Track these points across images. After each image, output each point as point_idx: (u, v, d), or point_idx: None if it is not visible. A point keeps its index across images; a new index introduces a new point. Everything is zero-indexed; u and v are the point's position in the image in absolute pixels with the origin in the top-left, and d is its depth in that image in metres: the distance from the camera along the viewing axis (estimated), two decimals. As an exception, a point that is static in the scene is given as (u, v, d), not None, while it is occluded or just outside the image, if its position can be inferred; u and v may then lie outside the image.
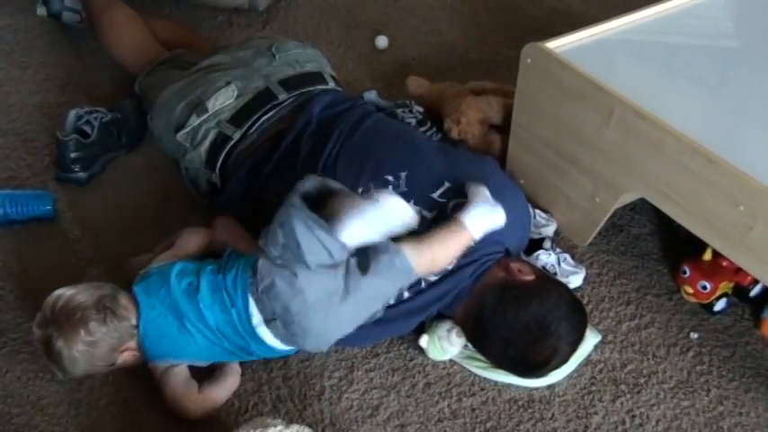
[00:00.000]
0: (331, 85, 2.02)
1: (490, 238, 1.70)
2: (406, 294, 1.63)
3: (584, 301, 1.83)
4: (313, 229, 1.43)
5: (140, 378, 1.65)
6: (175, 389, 1.58)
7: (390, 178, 1.74)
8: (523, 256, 1.85)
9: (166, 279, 1.58)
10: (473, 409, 1.64)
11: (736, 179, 1.53)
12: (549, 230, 1.96)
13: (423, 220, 1.68)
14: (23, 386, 1.64)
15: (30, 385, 1.64)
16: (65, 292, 1.55)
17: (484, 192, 1.66)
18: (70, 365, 1.51)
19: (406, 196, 1.70)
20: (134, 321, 1.56)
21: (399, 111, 2.18)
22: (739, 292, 1.84)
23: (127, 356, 1.58)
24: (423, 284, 1.64)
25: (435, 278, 1.65)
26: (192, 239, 1.76)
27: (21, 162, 2.11)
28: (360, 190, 1.72)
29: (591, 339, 1.74)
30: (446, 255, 1.58)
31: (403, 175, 1.74)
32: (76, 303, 1.52)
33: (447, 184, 1.73)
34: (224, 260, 1.60)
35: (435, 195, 1.72)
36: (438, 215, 1.69)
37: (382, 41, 2.57)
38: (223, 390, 1.61)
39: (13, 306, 1.78)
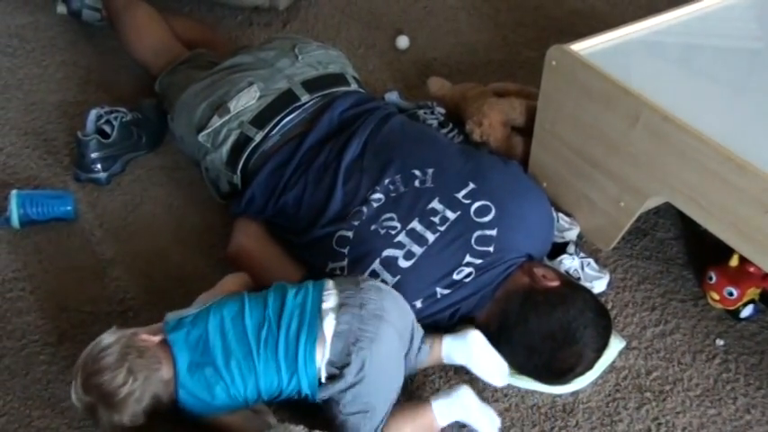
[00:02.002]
0: (353, 86, 2.01)
1: (511, 244, 1.69)
2: (419, 305, 1.62)
3: (609, 307, 1.81)
4: None
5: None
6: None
7: (417, 173, 1.73)
8: (547, 261, 1.84)
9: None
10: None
11: (765, 185, 1.51)
12: (572, 234, 1.94)
13: (445, 220, 1.67)
14: (44, 388, 1.63)
15: (50, 387, 1.63)
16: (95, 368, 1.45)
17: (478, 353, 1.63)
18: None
19: (432, 193, 1.70)
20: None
21: (421, 112, 2.16)
22: (766, 299, 1.81)
23: None
24: (438, 295, 1.63)
25: (451, 290, 1.64)
26: (234, 283, 1.70)
27: (41, 162, 2.11)
28: (386, 182, 1.72)
29: (615, 345, 1.72)
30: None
31: (430, 171, 1.74)
32: (113, 385, 1.43)
33: (472, 185, 1.72)
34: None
35: (460, 195, 1.70)
36: (461, 216, 1.68)
37: (403, 42, 2.56)
38: None
39: (33, 307, 1.77)
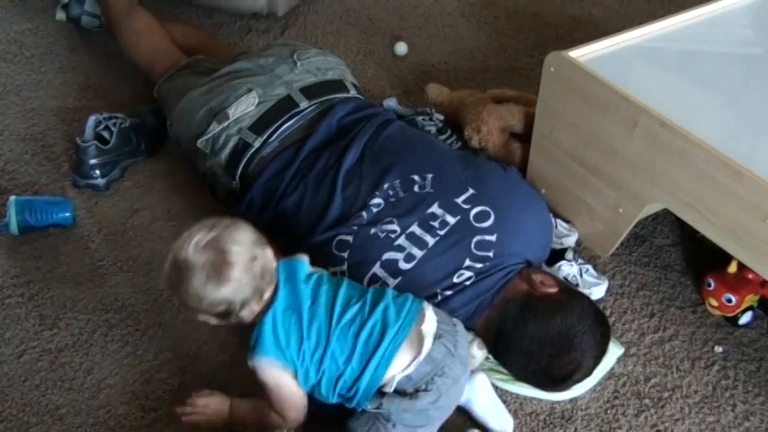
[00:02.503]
0: (352, 92, 2.01)
1: (511, 250, 1.69)
2: None
3: (607, 313, 1.81)
4: None
5: (156, 387, 1.65)
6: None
7: (417, 178, 1.74)
8: (545, 267, 1.84)
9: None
10: (494, 422, 1.63)
11: (764, 192, 1.51)
12: (571, 241, 1.94)
13: (445, 224, 1.67)
14: (42, 395, 1.63)
15: (48, 394, 1.63)
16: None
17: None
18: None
19: (432, 198, 1.70)
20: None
21: (419, 118, 2.16)
22: (765, 306, 1.81)
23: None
24: (439, 297, 1.63)
25: (451, 292, 1.64)
26: None
27: (40, 168, 2.11)
28: (386, 187, 1.72)
29: (614, 352, 1.72)
30: None
31: (429, 176, 1.74)
32: (236, 258, 1.39)
33: (471, 191, 1.72)
34: None
35: (459, 201, 1.71)
36: (461, 220, 1.68)
37: (401, 48, 2.56)
38: None
39: (32, 314, 1.77)
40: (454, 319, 1.52)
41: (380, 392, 1.44)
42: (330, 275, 1.52)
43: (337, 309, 1.44)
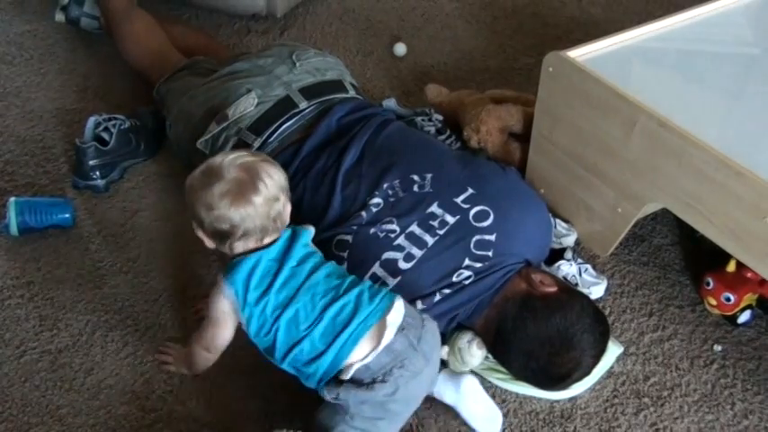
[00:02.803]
0: (351, 93, 2.01)
1: (510, 250, 1.69)
2: (420, 305, 1.61)
3: (606, 313, 1.81)
4: None
5: (156, 388, 1.65)
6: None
7: (416, 178, 1.74)
8: (544, 267, 1.84)
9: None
10: (494, 422, 1.63)
11: (763, 191, 1.51)
12: (570, 240, 1.94)
13: (444, 224, 1.68)
14: (42, 395, 1.63)
15: (48, 394, 1.63)
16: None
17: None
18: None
19: (431, 197, 1.71)
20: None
21: (419, 119, 2.16)
22: (763, 304, 1.82)
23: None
24: (438, 296, 1.63)
25: (450, 291, 1.64)
26: None
27: (39, 169, 2.11)
28: (385, 186, 1.72)
29: (613, 351, 1.72)
30: None
31: (428, 176, 1.75)
32: (267, 181, 1.41)
33: (470, 191, 1.72)
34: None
35: (459, 200, 1.71)
36: (460, 220, 1.68)
37: (400, 49, 2.56)
38: None
39: (32, 315, 1.77)
40: (425, 316, 1.50)
41: (338, 381, 1.42)
42: (323, 256, 1.51)
43: (316, 277, 1.44)
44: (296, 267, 1.44)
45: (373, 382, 1.40)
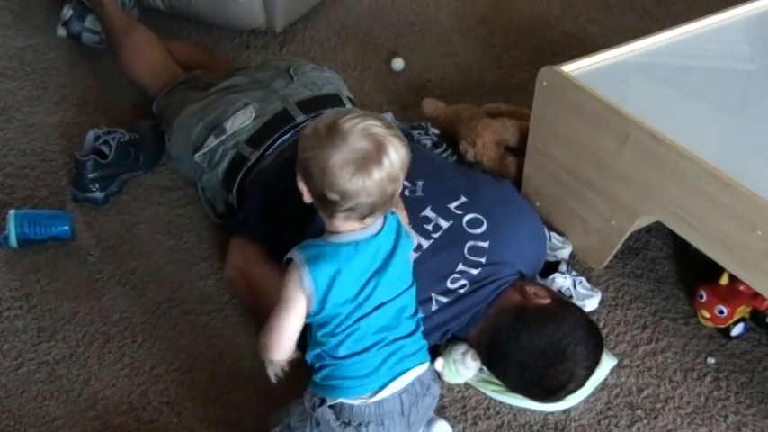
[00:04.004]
0: (348, 106, 2.03)
1: (503, 259, 1.70)
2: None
3: (600, 325, 1.82)
4: None
5: (153, 399, 1.66)
6: None
7: (408, 184, 1.76)
8: (539, 279, 1.85)
9: None
10: (488, 433, 1.64)
11: (754, 204, 1.52)
12: (565, 253, 1.96)
13: (438, 228, 1.70)
14: (39, 406, 1.64)
15: (45, 405, 1.64)
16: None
17: None
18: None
19: (423, 202, 1.72)
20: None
21: (415, 132, 2.18)
22: (757, 317, 1.82)
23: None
24: (433, 307, 1.64)
25: (446, 300, 1.65)
26: None
27: (39, 182, 2.13)
28: None
29: (607, 363, 1.73)
30: None
31: (420, 183, 1.77)
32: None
33: (464, 198, 1.74)
34: None
35: (452, 206, 1.73)
36: (454, 225, 1.70)
37: (398, 63, 2.58)
38: None
39: (30, 326, 1.79)
40: (432, 384, 1.48)
41: (322, 399, 1.41)
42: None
43: (395, 305, 1.38)
44: (386, 282, 1.37)
45: (348, 423, 1.40)
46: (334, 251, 1.33)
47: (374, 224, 1.35)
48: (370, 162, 1.26)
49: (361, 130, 1.27)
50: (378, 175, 1.26)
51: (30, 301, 1.84)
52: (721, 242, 1.62)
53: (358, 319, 1.36)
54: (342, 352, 1.37)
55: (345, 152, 1.25)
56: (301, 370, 1.44)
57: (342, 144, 1.26)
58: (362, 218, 1.31)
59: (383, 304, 1.37)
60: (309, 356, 1.41)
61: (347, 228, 1.33)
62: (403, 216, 1.49)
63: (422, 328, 1.46)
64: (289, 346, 1.38)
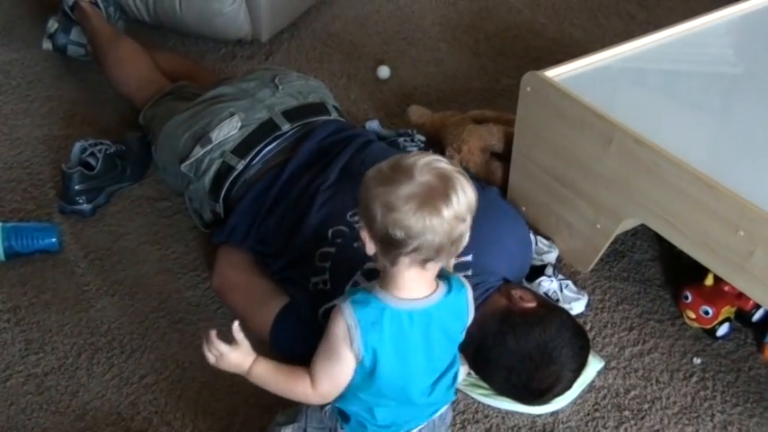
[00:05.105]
0: (334, 115, 2.04)
1: (489, 267, 1.71)
2: None
3: (587, 328, 1.83)
4: None
5: (142, 409, 1.66)
6: None
7: None
8: (525, 283, 1.86)
9: None
10: (477, 437, 1.65)
11: (736, 205, 1.54)
12: (551, 257, 1.97)
13: None
14: (27, 418, 1.64)
15: (33, 417, 1.64)
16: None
17: None
18: None
19: None
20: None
21: (401, 140, 2.20)
22: (741, 317, 1.84)
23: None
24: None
25: None
26: None
27: (26, 194, 2.13)
28: None
29: (594, 365, 1.74)
30: None
31: None
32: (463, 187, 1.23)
33: None
34: None
35: None
36: None
37: (384, 71, 2.60)
38: None
39: (18, 339, 1.79)
40: (448, 413, 1.47)
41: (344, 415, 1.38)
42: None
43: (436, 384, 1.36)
44: (433, 362, 1.32)
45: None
46: (391, 320, 1.25)
47: (437, 290, 1.28)
48: (437, 196, 1.18)
49: (425, 164, 1.20)
50: (446, 212, 1.18)
51: (17, 314, 1.84)
52: (705, 243, 1.63)
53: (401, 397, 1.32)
54: (380, 420, 1.34)
55: (411, 186, 1.18)
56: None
57: (407, 179, 1.18)
58: (426, 262, 1.22)
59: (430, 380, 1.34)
60: (341, 405, 1.36)
61: (409, 280, 1.25)
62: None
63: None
64: (339, 385, 1.32)
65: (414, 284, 1.25)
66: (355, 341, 1.24)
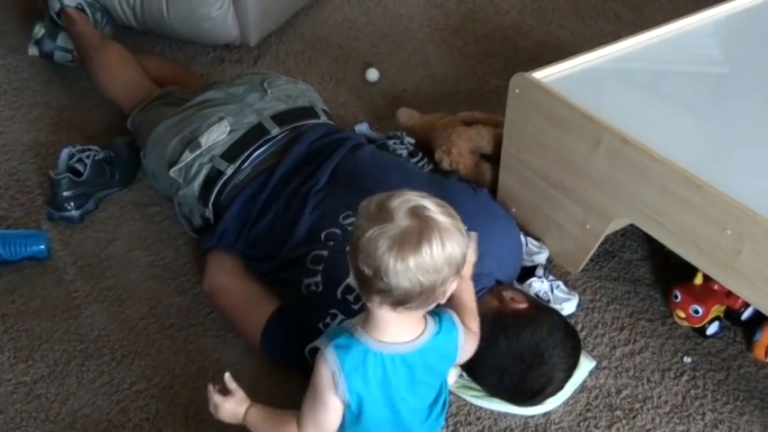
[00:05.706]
0: (323, 119, 2.04)
1: (481, 269, 1.71)
2: None
3: (578, 328, 1.84)
4: None
5: (133, 416, 1.65)
6: None
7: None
8: (516, 284, 1.86)
9: None
10: (469, 439, 1.65)
11: (723, 204, 1.54)
12: (542, 258, 1.97)
13: None
14: (17, 427, 1.63)
15: (23, 425, 1.63)
16: None
17: None
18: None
19: None
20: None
21: (391, 142, 2.19)
22: (731, 316, 1.84)
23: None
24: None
25: None
26: None
27: (13, 202, 2.12)
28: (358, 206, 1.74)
29: (585, 365, 1.74)
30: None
31: None
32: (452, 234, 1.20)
33: None
34: None
35: None
36: None
37: (373, 74, 2.59)
38: None
39: (6, 347, 1.77)
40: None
41: None
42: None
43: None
44: (411, 392, 1.31)
45: None
46: (374, 364, 1.25)
47: (425, 331, 1.28)
48: (407, 243, 1.15)
49: (411, 208, 1.18)
50: (412, 260, 1.15)
51: (6, 322, 1.82)
52: (693, 242, 1.64)
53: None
54: None
55: (387, 227, 1.16)
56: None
57: (387, 219, 1.17)
58: (396, 305, 1.20)
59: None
60: None
61: (389, 324, 1.24)
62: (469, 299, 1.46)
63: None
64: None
65: (394, 329, 1.25)
66: (340, 387, 1.25)
